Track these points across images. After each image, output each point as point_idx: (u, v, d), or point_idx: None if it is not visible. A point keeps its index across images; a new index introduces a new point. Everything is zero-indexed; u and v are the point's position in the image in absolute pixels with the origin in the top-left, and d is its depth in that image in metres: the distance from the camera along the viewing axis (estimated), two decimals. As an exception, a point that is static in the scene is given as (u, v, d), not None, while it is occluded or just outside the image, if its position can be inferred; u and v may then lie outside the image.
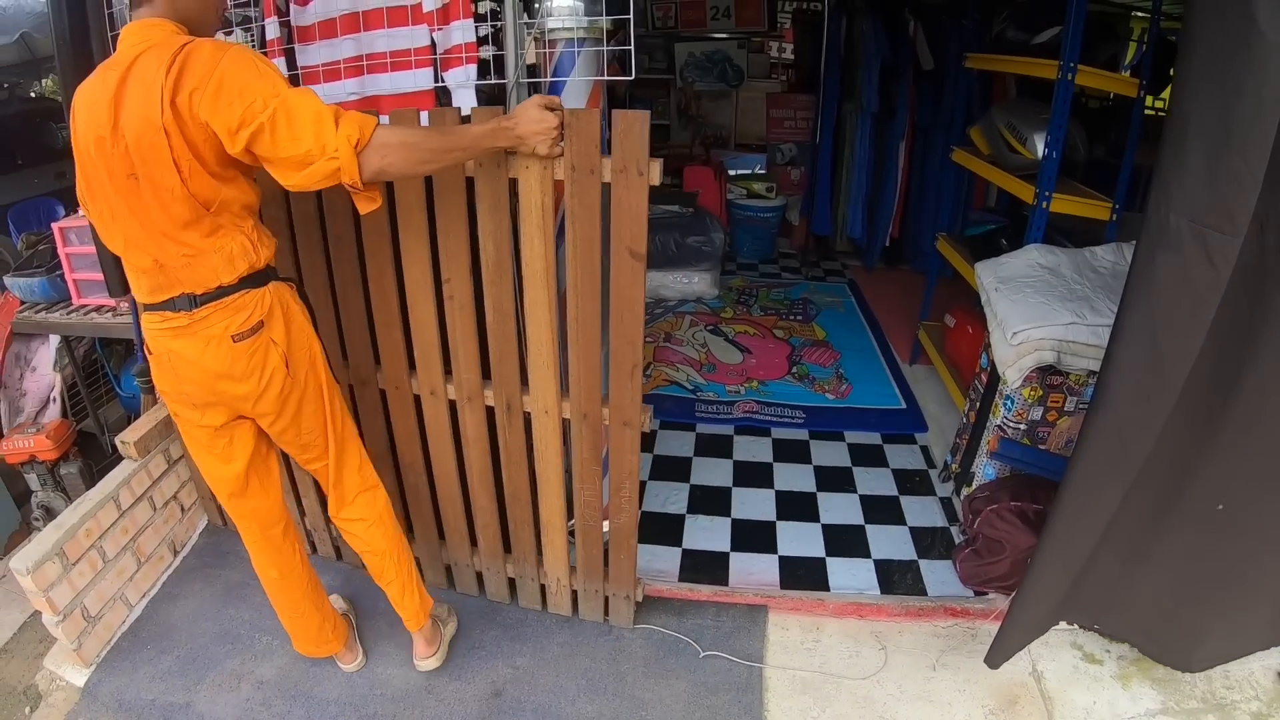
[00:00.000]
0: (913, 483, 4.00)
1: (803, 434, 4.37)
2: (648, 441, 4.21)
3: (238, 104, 1.75)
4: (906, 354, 5.29)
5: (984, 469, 3.48)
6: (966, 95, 6.05)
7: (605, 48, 2.69)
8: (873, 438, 4.36)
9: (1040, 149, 3.62)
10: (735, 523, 3.67)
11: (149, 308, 2.07)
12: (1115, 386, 2.02)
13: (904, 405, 4.68)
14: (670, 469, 4.05)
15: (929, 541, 3.57)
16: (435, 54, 2.67)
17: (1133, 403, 2.02)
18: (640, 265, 2.31)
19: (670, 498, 3.83)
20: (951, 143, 5.20)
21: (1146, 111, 3.75)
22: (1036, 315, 3.10)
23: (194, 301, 2.01)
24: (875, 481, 3.99)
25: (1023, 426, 3.29)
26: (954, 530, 3.65)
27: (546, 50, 2.64)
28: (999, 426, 3.35)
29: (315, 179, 1.83)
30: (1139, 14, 8.37)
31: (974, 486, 3.50)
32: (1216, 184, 1.66)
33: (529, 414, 2.69)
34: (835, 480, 3.99)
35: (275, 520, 2.51)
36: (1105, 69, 3.79)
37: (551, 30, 2.62)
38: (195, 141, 1.80)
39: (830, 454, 4.21)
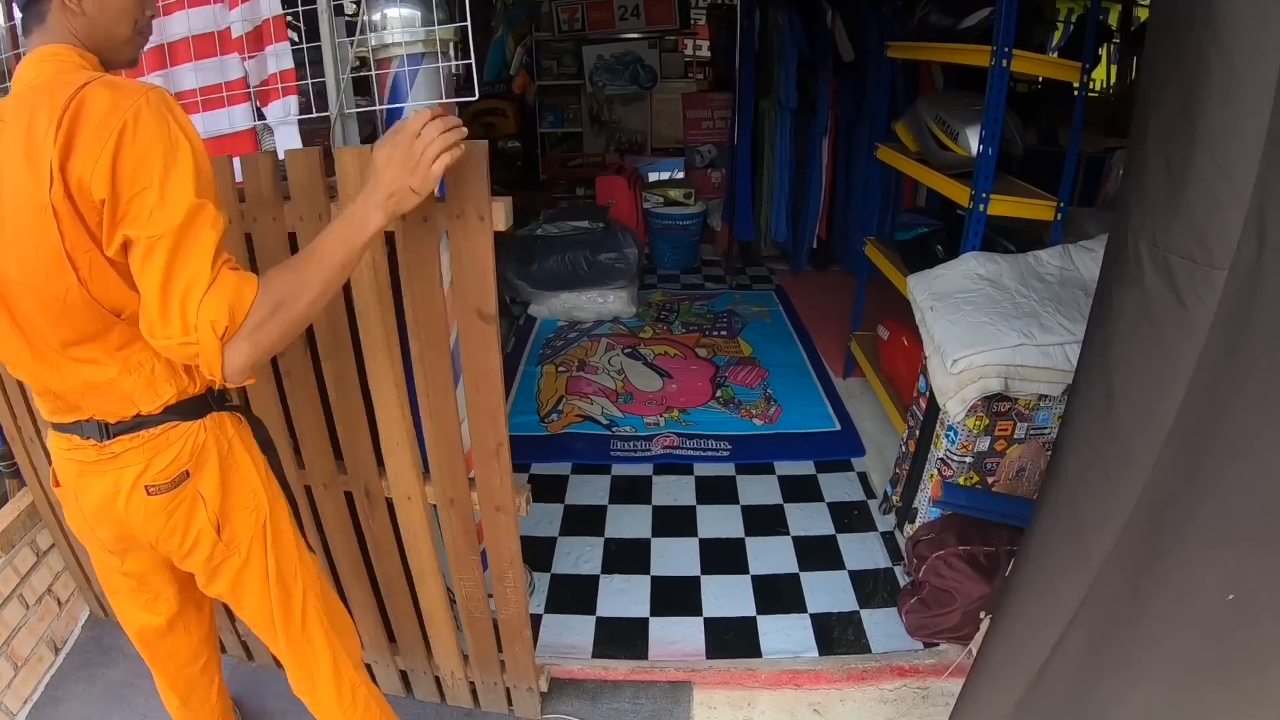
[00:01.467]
0: (851, 517, 3.62)
1: (729, 469, 3.96)
2: (557, 491, 3.81)
3: (126, 192, 1.29)
4: (840, 366, 4.91)
5: (927, 506, 3.11)
6: (891, 87, 5.73)
7: (451, 61, 2.22)
8: (805, 467, 3.96)
9: (974, 145, 3.23)
10: (655, 581, 3.26)
11: (55, 427, 1.62)
12: (1070, 454, 1.62)
13: (838, 426, 4.30)
14: (582, 521, 3.63)
15: (871, 586, 3.20)
16: (250, 86, 2.25)
17: (1088, 477, 1.61)
18: (491, 328, 1.97)
19: (583, 556, 3.41)
20: (877, 137, 4.90)
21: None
22: (978, 338, 2.73)
23: (105, 431, 1.56)
24: (809, 519, 3.60)
25: (968, 459, 2.93)
26: (898, 570, 3.28)
27: (373, 72, 2.19)
28: (941, 460, 2.99)
29: (168, 351, 1.38)
30: None
31: (917, 525, 3.14)
32: (1179, 194, 1.30)
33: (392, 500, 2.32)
34: (765, 521, 3.59)
35: (196, 657, 2.08)
36: (1036, 53, 3.43)
37: (380, 47, 2.16)
38: (94, 225, 1.32)
39: (759, 490, 3.81)
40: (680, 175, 7.25)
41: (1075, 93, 3.27)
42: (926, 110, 3.59)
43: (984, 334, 2.74)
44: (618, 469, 3.98)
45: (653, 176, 7.25)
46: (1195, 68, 1.23)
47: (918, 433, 3.21)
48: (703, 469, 3.96)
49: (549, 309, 5.68)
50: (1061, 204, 3.19)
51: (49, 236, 1.29)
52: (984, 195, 3.11)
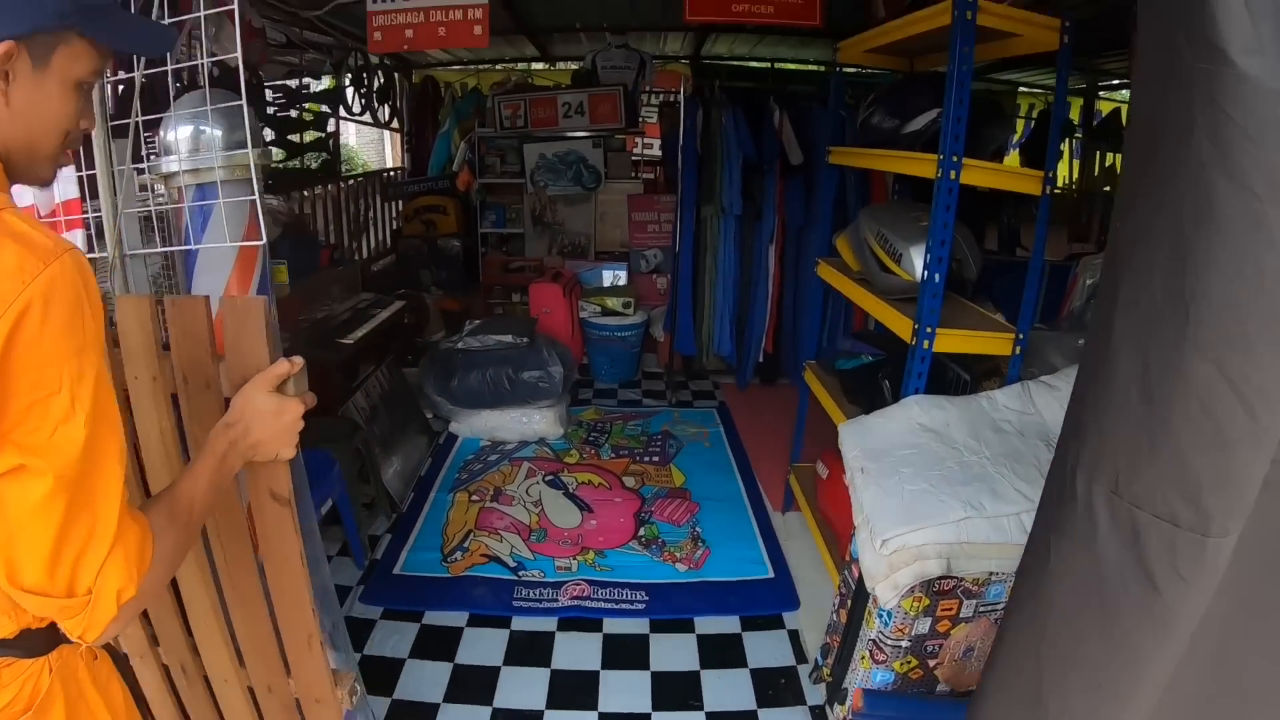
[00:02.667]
0: (777, 687, 3.13)
1: (643, 624, 3.47)
2: (448, 648, 3.31)
3: (22, 397, 0.98)
4: (780, 498, 4.47)
5: (860, 688, 2.67)
6: (840, 190, 5.42)
7: (257, 192, 1.81)
8: (730, 624, 3.49)
9: (918, 269, 2.85)
10: None
11: None
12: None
13: (771, 574, 3.84)
14: (471, 685, 3.12)
15: None
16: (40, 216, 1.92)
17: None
18: (287, 511, 1.72)
19: (465, 731, 2.91)
20: (824, 246, 4.56)
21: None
22: (915, 512, 2.33)
23: None
24: (729, 690, 3.11)
25: (904, 643, 2.50)
26: (828, 758, 2.80)
27: (161, 207, 1.81)
28: (874, 642, 2.55)
29: (31, 604, 1.07)
30: (1025, 90, 8.18)
31: (847, 708, 2.69)
32: (1161, 421, 0.97)
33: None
34: (677, 692, 3.10)
35: None
36: (995, 159, 3.06)
37: (170, 175, 1.77)
38: None
39: (674, 652, 3.32)
40: (621, 282, 6.87)
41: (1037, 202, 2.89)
42: (868, 225, 3.20)
43: (922, 507, 2.33)
44: (519, 622, 3.47)
45: (599, 281, 6.91)
46: (1195, 209, 0.88)
47: (849, 603, 2.78)
48: (613, 624, 3.47)
49: (470, 428, 5.23)
50: (1021, 335, 2.81)
51: None
52: (929, 330, 2.71)
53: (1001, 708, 1.23)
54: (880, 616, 2.50)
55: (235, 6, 1.70)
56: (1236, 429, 0.91)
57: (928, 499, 2.36)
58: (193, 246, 1.80)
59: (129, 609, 1.09)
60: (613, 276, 6.95)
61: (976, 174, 2.66)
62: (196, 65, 1.93)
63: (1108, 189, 6.17)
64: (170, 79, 1.86)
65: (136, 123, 1.81)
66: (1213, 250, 0.87)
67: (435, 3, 4.29)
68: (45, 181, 1.23)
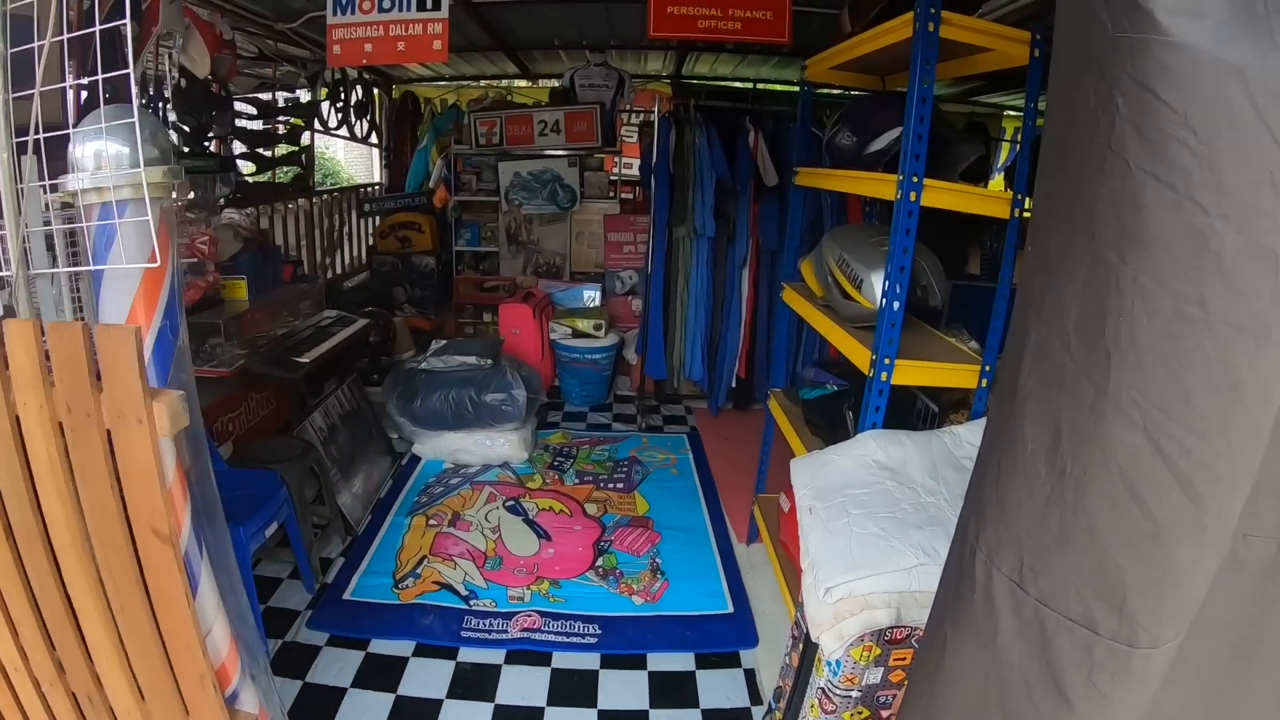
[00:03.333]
0: (729, 731, 3.04)
1: (593, 659, 3.35)
2: (391, 678, 3.19)
3: None
4: (743, 529, 4.36)
5: (809, 738, 2.57)
6: (816, 212, 5.34)
7: (150, 213, 1.72)
8: (684, 661, 3.38)
9: (879, 294, 2.73)
10: None
11: None
12: None
13: (730, 608, 3.74)
14: (412, 718, 3.02)
15: None
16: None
17: None
18: (168, 549, 1.64)
19: (403, 767, 2.79)
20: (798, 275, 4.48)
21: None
22: (864, 558, 2.22)
23: None
24: (679, 733, 3.01)
25: (855, 693, 2.39)
26: (779, 808, 2.69)
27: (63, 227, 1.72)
28: (822, 690, 2.44)
29: None
30: (1012, 113, 8.11)
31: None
32: (1075, 503, 0.83)
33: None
34: (625, 734, 2.99)
35: None
36: (970, 179, 2.95)
37: (75, 193, 1.69)
38: None
39: (624, 690, 3.21)
40: (594, 304, 6.77)
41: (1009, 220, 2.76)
42: (830, 249, 3.09)
43: (871, 552, 2.22)
44: (466, 653, 3.35)
45: (577, 301, 6.80)
46: (1120, 226, 0.76)
47: (801, 646, 2.67)
48: (563, 659, 3.35)
49: (434, 450, 5.11)
50: (988, 366, 2.70)
51: None
52: (887, 361, 2.60)
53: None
54: (829, 665, 2.39)
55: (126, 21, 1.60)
56: (1172, 515, 0.77)
57: (877, 544, 2.25)
58: (88, 268, 1.69)
59: None
60: (589, 297, 6.86)
61: (939, 195, 2.55)
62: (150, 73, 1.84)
63: None
64: (101, 89, 1.78)
65: (38, 139, 1.72)
66: (1141, 280, 0.74)
67: (394, 17, 4.21)
68: None
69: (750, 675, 3.32)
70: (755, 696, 3.20)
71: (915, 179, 2.47)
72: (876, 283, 2.75)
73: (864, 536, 2.27)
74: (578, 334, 6.22)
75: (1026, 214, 2.66)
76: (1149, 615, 0.79)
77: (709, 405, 6.29)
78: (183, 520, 1.72)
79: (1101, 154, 0.75)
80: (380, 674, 3.21)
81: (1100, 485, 0.79)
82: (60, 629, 1.86)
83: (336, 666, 3.21)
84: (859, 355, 2.75)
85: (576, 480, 5.00)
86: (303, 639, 3.36)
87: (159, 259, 1.63)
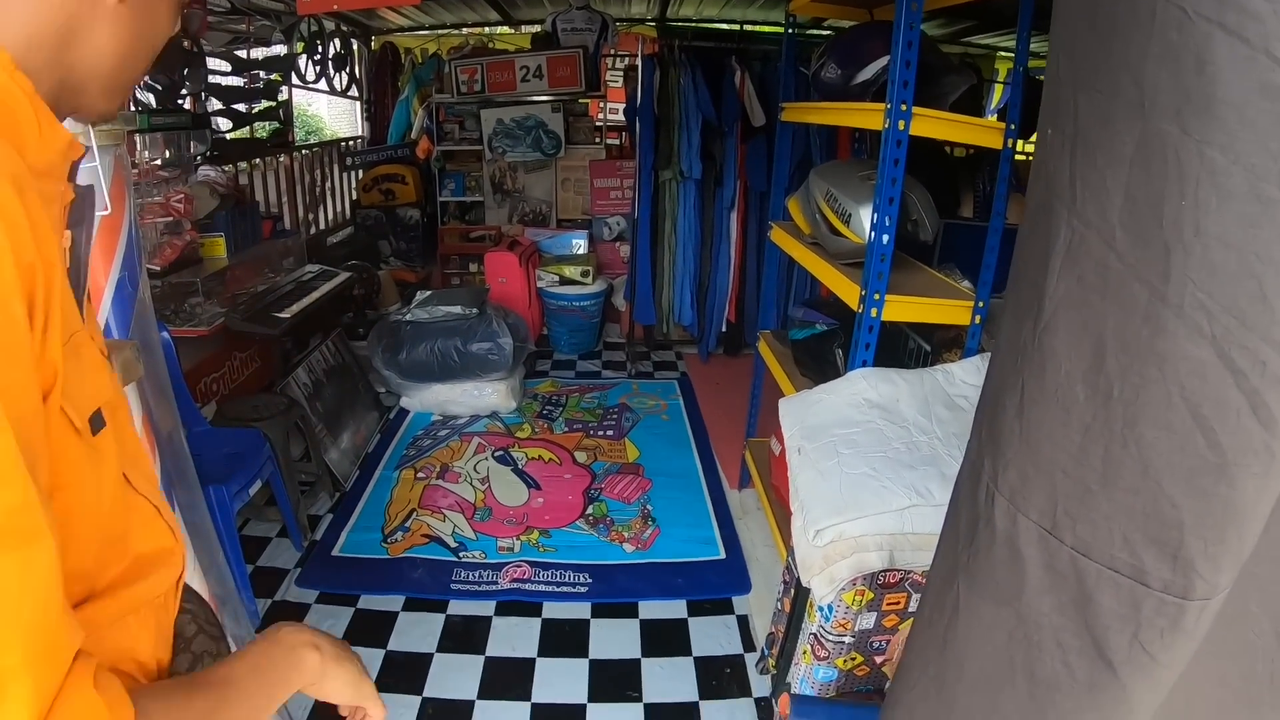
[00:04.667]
0: (721, 678, 3.00)
1: (584, 609, 3.33)
2: (382, 633, 3.16)
3: None
4: (735, 474, 4.32)
5: (800, 684, 2.53)
6: (805, 151, 5.24)
7: (98, 159, 1.62)
8: (676, 608, 3.35)
9: (868, 229, 2.63)
10: None
11: None
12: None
13: (723, 554, 3.70)
14: (402, 673, 2.98)
15: None
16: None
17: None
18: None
19: (393, 722, 2.76)
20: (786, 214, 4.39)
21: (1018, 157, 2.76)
22: (854, 499, 2.16)
23: None
24: (670, 680, 2.98)
25: (847, 639, 2.34)
26: (771, 753, 2.66)
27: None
28: (814, 636, 2.40)
29: None
30: (1004, 54, 7.97)
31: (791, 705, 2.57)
32: (1126, 423, 0.69)
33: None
34: (616, 682, 2.96)
35: None
36: (963, 110, 2.79)
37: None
38: None
39: (615, 639, 3.18)
40: (582, 250, 6.67)
41: (1018, 152, 2.65)
42: (817, 185, 2.98)
43: (863, 493, 2.16)
44: (456, 606, 3.32)
45: (565, 249, 6.69)
46: (1175, 67, 0.61)
47: (792, 591, 2.64)
48: (553, 609, 3.32)
49: (421, 402, 5.05)
50: (981, 303, 2.62)
51: None
52: (876, 296, 2.52)
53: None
54: (820, 610, 2.35)
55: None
56: (1240, 442, 0.64)
57: (868, 484, 2.19)
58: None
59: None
60: (576, 245, 6.74)
61: (928, 124, 2.44)
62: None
63: None
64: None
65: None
66: (1209, 154, 0.59)
67: (364, -39, 4.08)
68: (108, 116, 0.92)
69: (743, 622, 3.29)
70: (748, 643, 3.17)
71: (904, 107, 2.37)
72: (865, 217, 2.65)
73: (855, 477, 2.21)
74: (565, 281, 6.14)
75: (1020, 151, 2.58)
76: (1208, 562, 0.68)
77: (699, 351, 6.23)
78: (151, 464, 1.66)
79: (1150, 2, 0.61)
80: (369, 629, 3.18)
81: (1156, 410, 0.67)
82: None
83: (326, 624, 3.16)
84: (848, 291, 2.68)
85: (566, 428, 4.95)
86: (292, 597, 3.33)
87: (108, 206, 1.56)
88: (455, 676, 2.96)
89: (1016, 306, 0.81)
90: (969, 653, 0.85)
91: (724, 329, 6.03)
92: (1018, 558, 0.76)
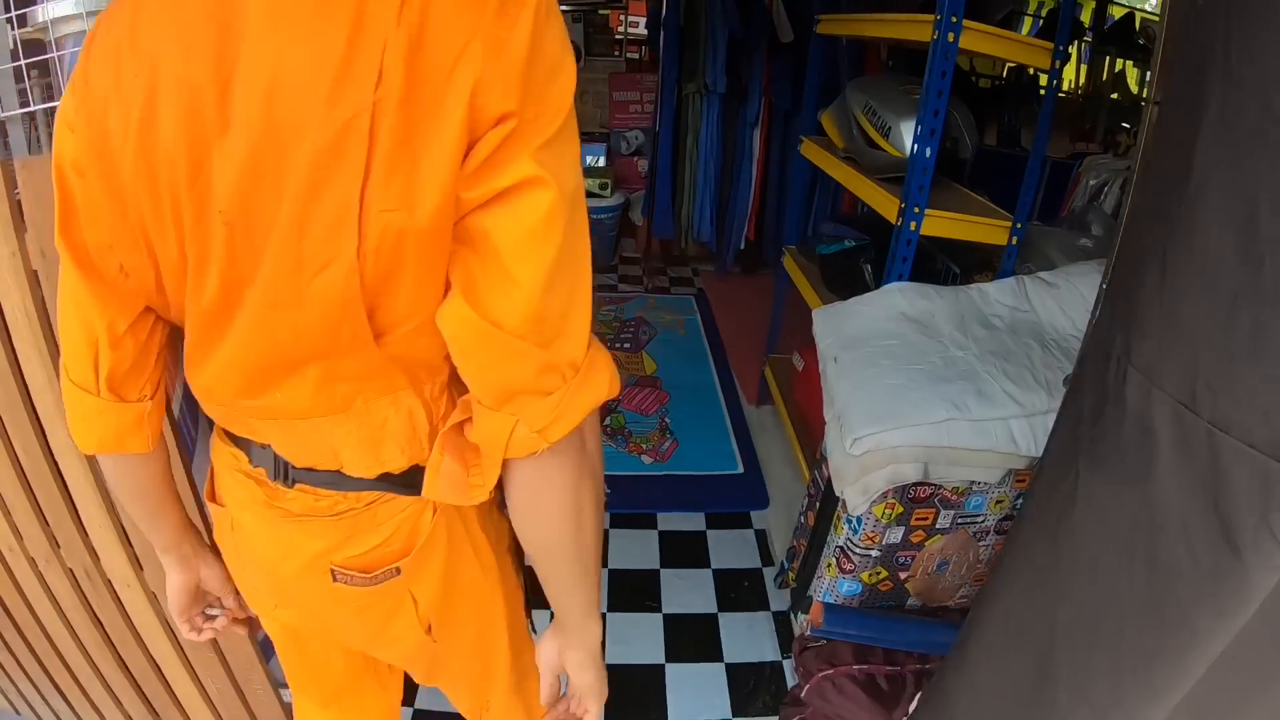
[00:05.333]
0: (739, 590, 3.00)
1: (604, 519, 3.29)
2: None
3: (531, 109, 0.78)
4: (754, 391, 4.27)
5: (823, 596, 2.51)
6: (833, 71, 5.10)
7: None
8: (695, 521, 3.33)
9: (908, 143, 2.54)
10: None
11: (231, 437, 1.09)
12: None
13: (741, 469, 3.67)
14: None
15: (751, 686, 2.61)
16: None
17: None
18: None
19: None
20: (811, 129, 4.27)
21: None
22: (892, 409, 2.10)
23: (284, 472, 1.05)
24: (689, 591, 2.98)
25: (874, 553, 2.32)
26: (788, 666, 2.67)
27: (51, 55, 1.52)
28: (841, 549, 2.37)
29: (514, 359, 0.84)
30: None
31: (808, 624, 2.54)
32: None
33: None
34: (634, 592, 2.96)
35: None
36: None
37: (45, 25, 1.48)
38: (456, 158, 0.77)
39: (633, 550, 3.17)
40: (600, 163, 6.54)
41: (1042, 86, 2.55)
42: (855, 98, 2.90)
43: (900, 403, 2.11)
44: (474, 515, 3.30)
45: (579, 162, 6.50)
46: None
47: (818, 505, 2.59)
48: (574, 520, 3.29)
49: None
50: (1019, 224, 2.55)
51: (342, 169, 0.76)
52: (916, 210, 2.43)
53: (992, 681, 0.95)
54: (849, 523, 2.31)
55: None
56: None
57: (907, 395, 2.14)
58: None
59: (593, 426, 0.94)
60: (593, 158, 6.62)
61: (978, 39, 2.33)
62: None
63: (1115, 95, 5.86)
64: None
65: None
66: None
67: None
68: None
69: (761, 536, 3.27)
70: (766, 557, 3.16)
71: (954, 19, 2.25)
72: (906, 130, 2.58)
73: (892, 387, 2.16)
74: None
75: (1062, 94, 2.46)
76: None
77: (716, 268, 6.15)
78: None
79: None
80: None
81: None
82: (53, 504, 1.72)
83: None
84: (886, 205, 2.58)
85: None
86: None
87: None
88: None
89: (1160, 176, 0.76)
90: (1084, 541, 0.81)
91: (742, 246, 5.92)
92: (1149, 436, 0.71)
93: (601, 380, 0.90)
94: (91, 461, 1.59)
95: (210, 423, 1.16)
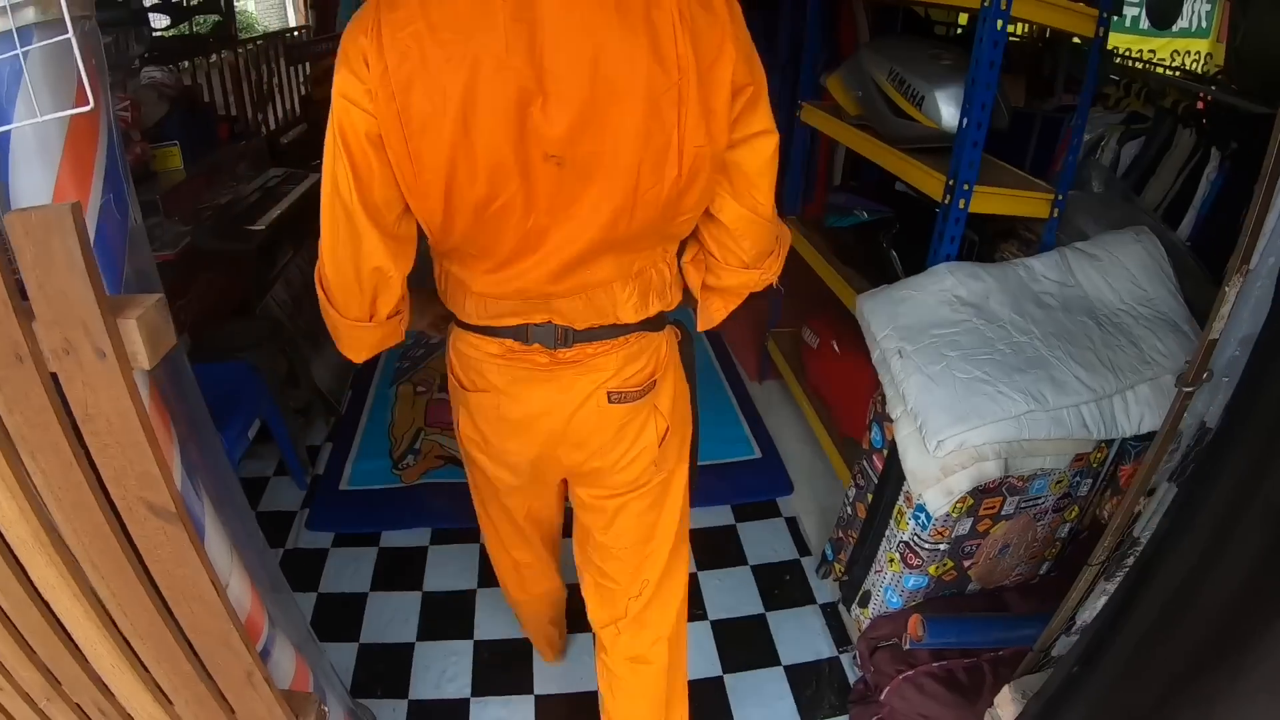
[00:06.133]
0: (782, 585, 2.86)
1: (626, 523, 3.11)
2: (414, 573, 2.93)
3: (759, 82, 1.30)
4: (754, 366, 4.10)
5: (885, 591, 2.35)
6: (803, 27, 4.88)
7: (72, 32, 1.23)
8: (722, 515, 3.16)
9: (946, 114, 2.37)
10: (542, 703, 2.49)
11: (485, 330, 1.51)
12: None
13: (758, 453, 3.49)
14: (446, 616, 2.77)
15: (814, 688, 2.50)
16: None
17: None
18: (174, 526, 1.22)
19: (447, 670, 2.58)
20: (788, 88, 4.04)
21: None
22: (973, 406, 1.96)
23: (565, 338, 1.49)
24: (732, 593, 2.83)
25: (943, 546, 2.18)
26: (845, 660, 2.56)
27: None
28: (907, 545, 2.21)
29: (756, 228, 1.44)
30: None
31: (871, 613, 2.39)
32: None
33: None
34: (677, 603, 2.77)
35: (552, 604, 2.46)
36: None
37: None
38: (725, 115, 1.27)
39: (665, 555, 2.97)
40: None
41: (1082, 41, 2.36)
42: (874, 64, 2.69)
43: (979, 399, 1.97)
44: (490, 534, 3.09)
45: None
46: None
47: (869, 497, 2.42)
48: (594, 527, 3.10)
49: (407, 306, 4.68)
50: (1060, 196, 2.39)
51: (664, 122, 1.22)
52: (966, 186, 2.24)
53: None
54: (916, 518, 2.15)
55: None
56: None
57: (983, 389, 1.99)
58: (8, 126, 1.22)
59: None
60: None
61: (1031, 6, 2.18)
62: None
63: (1076, 40, 5.72)
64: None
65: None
66: None
67: None
68: None
69: (792, 524, 3.12)
70: (802, 546, 3.02)
71: None
72: (944, 100, 2.39)
73: (968, 382, 2.00)
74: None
75: (1015, 37, 2.27)
76: None
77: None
78: (173, 467, 1.34)
79: None
80: (399, 570, 2.95)
81: None
82: (42, 639, 1.45)
83: (350, 569, 2.94)
84: (927, 181, 2.40)
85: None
86: (305, 544, 3.07)
87: (91, 100, 1.16)
88: (504, 613, 2.68)
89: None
90: None
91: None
92: None
93: (789, 239, 1.57)
94: (89, 592, 1.34)
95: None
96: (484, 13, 1.12)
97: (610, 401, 1.54)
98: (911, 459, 2.05)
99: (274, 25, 11.77)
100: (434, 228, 1.31)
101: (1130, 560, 1.57)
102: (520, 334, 1.47)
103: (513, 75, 1.14)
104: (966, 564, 2.31)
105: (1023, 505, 2.19)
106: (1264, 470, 1.04)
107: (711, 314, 1.61)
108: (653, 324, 1.54)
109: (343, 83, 1.17)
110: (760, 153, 1.32)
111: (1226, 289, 1.28)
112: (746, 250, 1.44)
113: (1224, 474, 1.18)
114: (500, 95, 1.14)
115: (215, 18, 6.06)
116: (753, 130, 1.29)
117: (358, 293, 1.36)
